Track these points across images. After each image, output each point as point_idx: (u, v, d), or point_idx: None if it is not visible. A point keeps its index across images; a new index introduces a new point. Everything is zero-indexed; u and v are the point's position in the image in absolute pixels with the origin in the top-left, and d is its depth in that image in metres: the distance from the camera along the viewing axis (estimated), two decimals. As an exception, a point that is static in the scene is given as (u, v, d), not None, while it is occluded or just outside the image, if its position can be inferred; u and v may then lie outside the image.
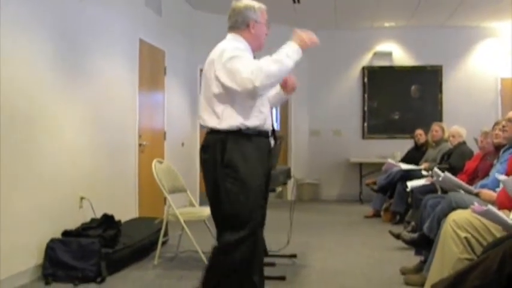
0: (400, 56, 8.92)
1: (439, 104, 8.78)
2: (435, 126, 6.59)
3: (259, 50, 2.75)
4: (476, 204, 2.44)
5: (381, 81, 8.89)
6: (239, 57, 2.49)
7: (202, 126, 2.77)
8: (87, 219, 4.32)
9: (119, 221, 4.40)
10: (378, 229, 5.94)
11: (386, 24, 8.73)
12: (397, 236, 4.27)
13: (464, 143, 5.87)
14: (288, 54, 2.46)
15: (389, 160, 7.03)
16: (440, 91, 8.79)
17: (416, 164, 6.64)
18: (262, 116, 2.64)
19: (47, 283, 3.66)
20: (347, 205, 8.19)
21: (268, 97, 2.81)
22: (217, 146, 2.57)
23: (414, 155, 7.05)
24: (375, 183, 7.00)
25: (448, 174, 3.81)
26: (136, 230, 4.64)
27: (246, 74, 2.41)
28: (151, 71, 6.08)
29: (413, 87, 8.85)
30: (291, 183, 6.79)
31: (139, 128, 5.63)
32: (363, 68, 8.94)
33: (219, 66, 2.51)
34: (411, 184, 5.58)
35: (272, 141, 2.78)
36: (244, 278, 2.64)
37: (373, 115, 8.92)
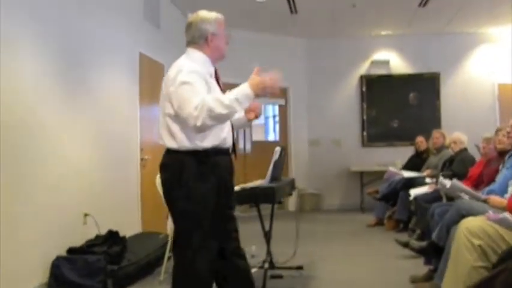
0: (398, 64, 8.95)
1: (437, 110, 8.78)
2: (436, 133, 6.60)
3: (221, 60, 2.70)
4: (490, 212, 2.42)
5: (379, 89, 8.90)
6: (191, 84, 2.42)
7: None
8: (92, 235, 4.26)
9: (124, 237, 4.36)
10: (382, 238, 5.92)
11: (383, 33, 8.76)
12: (405, 245, 4.25)
13: (465, 149, 5.86)
14: (239, 99, 2.39)
15: (391, 168, 7.01)
16: (438, 98, 8.80)
17: (418, 170, 6.64)
18: (221, 136, 2.59)
19: (52, 302, 3.61)
20: (349, 214, 8.14)
21: (233, 120, 2.72)
22: (175, 166, 2.53)
23: (415, 162, 7.05)
24: (376, 192, 7.00)
25: (456, 182, 3.79)
26: (141, 245, 4.58)
27: (190, 109, 2.35)
28: (152, 84, 6.05)
29: (411, 95, 8.87)
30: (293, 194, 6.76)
31: (140, 142, 5.60)
32: (361, 77, 8.95)
33: (173, 88, 2.46)
34: (414, 192, 5.57)
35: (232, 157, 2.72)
36: None
37: (372, 123, 8.92)
